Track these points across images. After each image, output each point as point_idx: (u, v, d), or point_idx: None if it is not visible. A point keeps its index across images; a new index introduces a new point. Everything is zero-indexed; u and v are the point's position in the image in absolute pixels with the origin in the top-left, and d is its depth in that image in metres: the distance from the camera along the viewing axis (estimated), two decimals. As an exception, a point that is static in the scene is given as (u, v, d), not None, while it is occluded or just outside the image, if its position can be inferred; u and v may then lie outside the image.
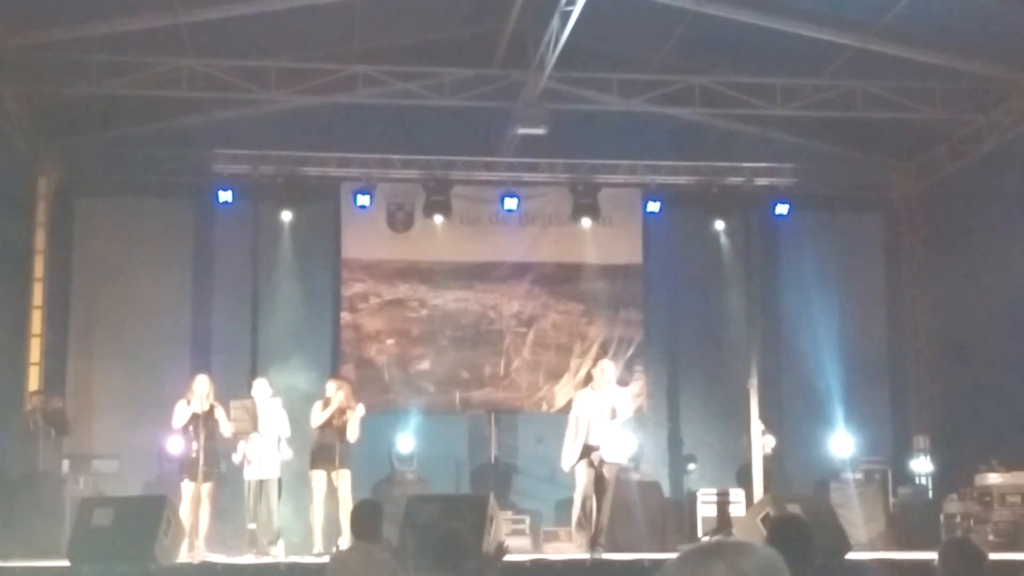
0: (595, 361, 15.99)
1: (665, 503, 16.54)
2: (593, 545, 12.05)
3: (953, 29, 14.62)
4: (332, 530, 12.94)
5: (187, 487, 12.74)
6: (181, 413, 12.81)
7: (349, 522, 8.40)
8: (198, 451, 12.65)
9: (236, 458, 13.24)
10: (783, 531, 5.52)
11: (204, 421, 12.70)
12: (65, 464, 15.66)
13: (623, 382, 15.07)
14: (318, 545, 13.00)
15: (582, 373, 17.17)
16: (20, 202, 16.47)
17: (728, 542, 2.09)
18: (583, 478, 12.22)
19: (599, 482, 12.20)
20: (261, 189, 17.24)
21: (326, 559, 9.80)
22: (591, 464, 12.19)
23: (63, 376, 17.16)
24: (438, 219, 17.49)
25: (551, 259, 18.12)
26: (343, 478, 13.18)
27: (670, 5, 14.88)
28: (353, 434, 13.26)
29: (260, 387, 13.37)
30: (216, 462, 13.06)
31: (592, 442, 12.20)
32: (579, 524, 12.30)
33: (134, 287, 17.29)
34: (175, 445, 13.38)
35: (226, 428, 12.90)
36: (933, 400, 18.17)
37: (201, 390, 12.87)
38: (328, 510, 13.08)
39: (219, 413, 12.89)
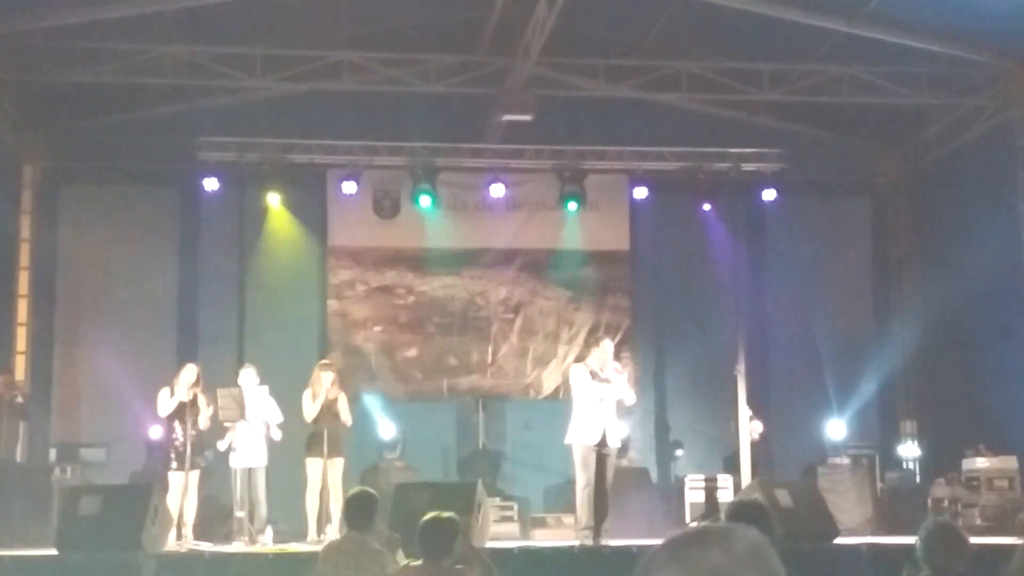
0: (585, 345, 15.99)
1: (653, 489, 16.55)
2: (598, 533, 11.86)
3: (940, 14, 14.62)
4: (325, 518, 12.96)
5: (174, 476, 12.69)
6: (165, 402, 12.77)
7: (343, 511, 8.39)
8: (184, 440, 12.60)
9: (222, 445, 13.21)
10: (742, 517, 5.46)
11: (189, 409, 12.66)
12: (52, 453, 15.65)
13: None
14: (312, 533, 12.98)
15: (570, 359, 17.14)
16: (5, 190, 16.45)
17: (715, 527, 2.09)
18: (590, 465, 11.88)
19: (602, 469, 11.96)
20: (247, 176, 17.17)
21: (319, 548, 9.79)
22: (598, 450, 11.93)
23: (49, 365, 17.13)
24: (425, 206, 17.44)
25: (538, 245, 18.10)
26: (335, 466, 13.17)
27: (656, -10, 14.88)
28: (347, 417, 13.27)
29: (247, 375, 13.35)
30: (202, 450, 13.02)
31: (607, 423, 11.93)
32: (584, 515, 11.99)
33: (120, 275, 17.25)
34: (156, 433, 13.32)
35: (203, 420, 12.82)
36: (920, 385, 18.20)
37: (188, 379, 12.83)
38: (322, 499, 13.07)
39: (200, 401, 12.82)
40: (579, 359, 13.09)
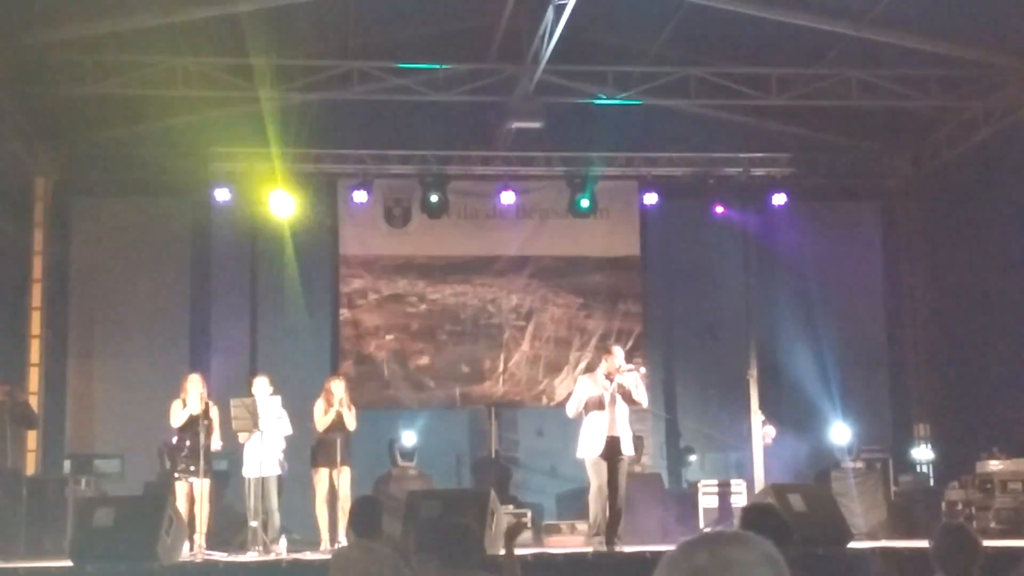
0: (596, 352, 15.95)
1: (666, 495, 16.55)
2: (611, 539, 11.86)
3: (948, 16, 14.61)
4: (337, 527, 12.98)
5: (182, 486, 12.74)
6: (178, 413, 12.81)
7: (348, 519, 8.41)
8: (196, 450, 12.64)
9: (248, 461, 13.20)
10: (757, 523, 5.45)
11: (201, 420, 12.69)
12: (67, 464, 15.69)
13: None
14: (325, 543, 13.02)
15: (582, 366, 17.15)
16: (17, 203, 16.49)
17: (726, 533, 2.10)
18: (602, 473, 11.86)
19: (614, 476, 11.94)
20: (258, 187, 17.20)
21: (330, 556, 9.80)
22: (608, 457, 11.93)
23: (63, 377, 17.19)
24: (435, 214, 17.47)
25: (549, 252, 18.12)
26: (343, 475, 13.19)
27: (664, -4, 14.89)
28: (350, 424, 13.29)
29: (260, 385, 13.36)
30: (210, 460, 13.04)
31: (615, 433, 11.90)
32: (596, 521, 11.97)
33: (133, 287, 17.32)
34: (181, 443, 13.31)
35: (215, 439, 12.89)
36: (933, 388, 18.17)
37: (195, 389, 12.87)
38: (331, 508, 13.11)
39: (213, 413, 12.88)
40: (589, 368, 13.07)
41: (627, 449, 12.08)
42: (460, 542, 6.67)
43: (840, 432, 17.09)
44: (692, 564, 2.00)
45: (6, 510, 13.21)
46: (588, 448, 11.92)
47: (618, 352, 12.49)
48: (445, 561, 6.63)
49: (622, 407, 11.99)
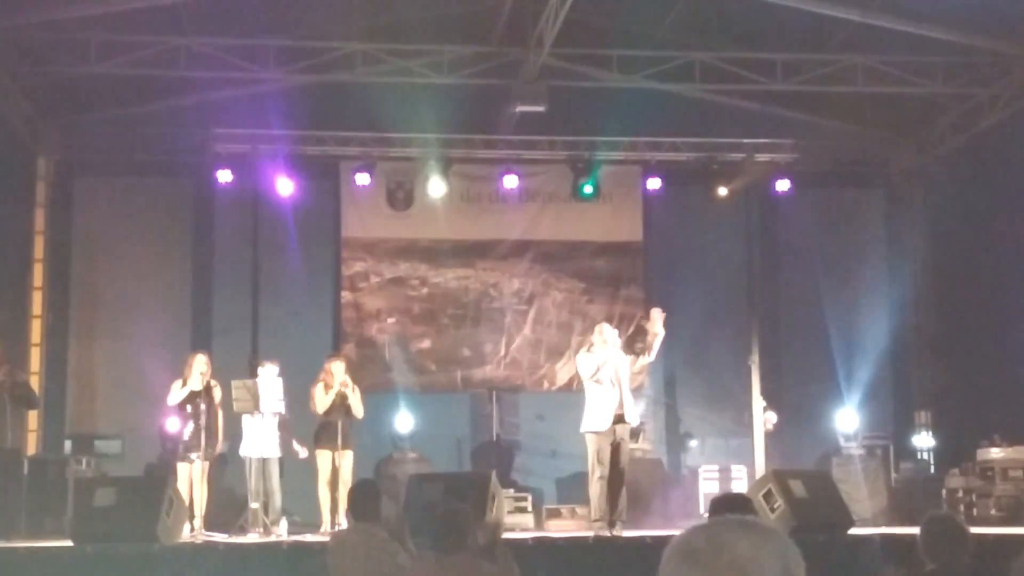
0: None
1: (667, 480, 16.55)
2: (612, 524, 11.86)
3: (955, 3, 14.55)
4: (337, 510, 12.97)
5: (183, 467, 12.71)
6: (177, 392, 12.78)
7: (347, 502, 8.42)
8: (196, 430, 12.62)
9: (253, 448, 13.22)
10: (725, 511, 5.39)
11: (202, 400, 12.67)
12: (67, 445, 15.69)
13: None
14: (326, 524, 13.00)
15: (583, 351, 17.12)
16: (19, 183, 16.48)
17: (741, 519, 2.10)
18: (604, 455, 11.83)
19: (616, 458, 11.95)
20: (260, 168, 17.18)
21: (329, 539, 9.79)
22: (611, 438, 11.91)
23: (64, 357, 17.18)
24: (438, 197, 17.44)
25: (551, 237, 18.08)
26: (345, 458, 13.17)
27: (669, -20, 14.84)
28: (359, 411, 13.28)
29: (268, 372, 13.26)
30: (214, 441, 13.02)
31: (621, 411, 11.90)
32: (597, 505, 11.98)
33: (134, 267, 17.30)
34: (173, 424, 13.33)
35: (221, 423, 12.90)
36: (935, 375, 18.15)
37: (199, 369, 12.84)
38: (333, 490, 13.09)
39: (216, 392, 12.86)
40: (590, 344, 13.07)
41: (632, 418, 12.13)
42: (454, 527, 6.68)
43: (841, 418, 17.10)
44: (688, 547, 2.01)
45: (6, 490, 13.18)
46: (593, 422, 11.91)
47: (607, 329, 12.49)
48: (439, 546, 6.64)
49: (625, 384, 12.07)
